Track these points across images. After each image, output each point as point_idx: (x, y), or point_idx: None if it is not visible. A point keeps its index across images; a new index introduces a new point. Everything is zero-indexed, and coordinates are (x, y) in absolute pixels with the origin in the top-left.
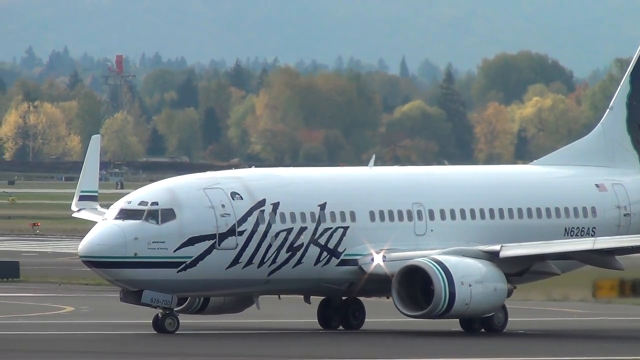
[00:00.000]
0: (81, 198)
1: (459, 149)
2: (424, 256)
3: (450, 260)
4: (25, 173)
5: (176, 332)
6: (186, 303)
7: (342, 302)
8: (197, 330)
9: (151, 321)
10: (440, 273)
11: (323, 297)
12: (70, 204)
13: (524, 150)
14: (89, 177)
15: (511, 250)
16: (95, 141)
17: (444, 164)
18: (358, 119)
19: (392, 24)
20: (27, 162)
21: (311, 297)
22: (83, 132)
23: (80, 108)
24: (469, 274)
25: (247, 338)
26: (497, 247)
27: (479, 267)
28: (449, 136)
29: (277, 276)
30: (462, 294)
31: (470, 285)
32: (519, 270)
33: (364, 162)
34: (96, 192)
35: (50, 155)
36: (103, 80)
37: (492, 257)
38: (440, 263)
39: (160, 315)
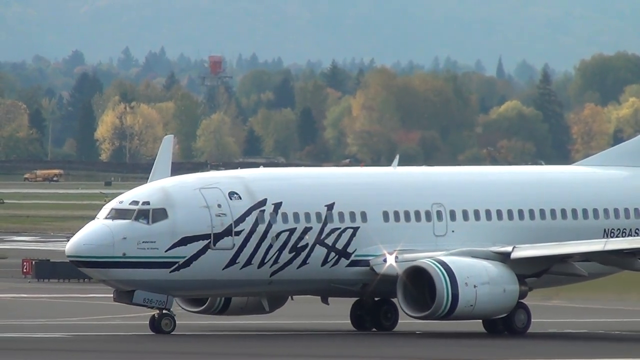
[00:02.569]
0: None
1: (555, 149)
2: (431, 257)
3: (455, 262)
4: (122, 174)
5: (172, 333)
6: (207, 304)
7: (374, 303)
8: (218, 330)
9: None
10: (443, 274)
11: (356, 299)
12: None
13: None
14: (159, 178)
15: (523, 251)
16: (168, 142)
17: (541, 165)
18: (455, 120)
19: (489, 25)
20: (123, 163)
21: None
22: (180, 133)
23: (177, 109)
24: (475, 275)
25: (250, 339)
26: (509, 248)
27: (487, 268)
28: (546, 137)
29: (281, 277)
30: (466, 295)
31: (475, 287)
32: (537, 272)
33: (461, 163)
34: None
35: (147, 156)
36: (200, 81)
37: (504, 258)
38: (443, 264)
39: (156, 315)
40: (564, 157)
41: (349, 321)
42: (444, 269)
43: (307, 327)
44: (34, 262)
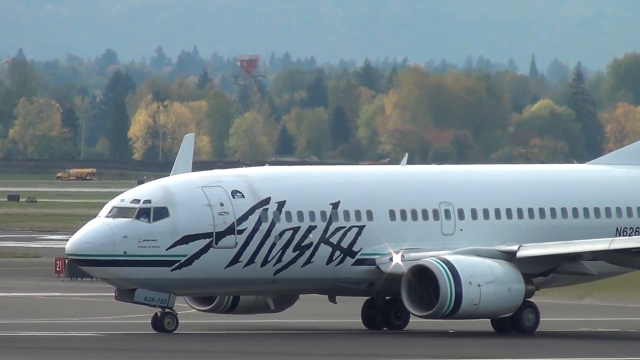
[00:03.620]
0: None
1: (588, 148)
2: (436, 256)
3: (459, 260)
4: (155, 173)
5: (175, 332)
6: (215, 302)
7: (385, 302)
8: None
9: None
10: (447, 272)
11: (367, 297)
12: None
13: None
14: None
15: (528, 250)
16: (189, 140)
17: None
18: (487, 119)
19: (522, 24)
20: (156, 161)
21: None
22: (212, 131)
23: (210, 108)
24: (479, 273)
25: (257, 337)
26: (514, 247)
27: (492, 267)
28: (579, 136)
29: (285, 275)
30: (469, 294)
31: (479, 286)
32: (544, 271)
33: (494, 162)
34: None
35: None
36: (233, 79)
37: (510, 257)
38: (447, 263)
39: (159, 314)
40: (597, 156)
41: (359, 320)
42: (448, 268)
43: (316, 325)
44: (66, 261)
